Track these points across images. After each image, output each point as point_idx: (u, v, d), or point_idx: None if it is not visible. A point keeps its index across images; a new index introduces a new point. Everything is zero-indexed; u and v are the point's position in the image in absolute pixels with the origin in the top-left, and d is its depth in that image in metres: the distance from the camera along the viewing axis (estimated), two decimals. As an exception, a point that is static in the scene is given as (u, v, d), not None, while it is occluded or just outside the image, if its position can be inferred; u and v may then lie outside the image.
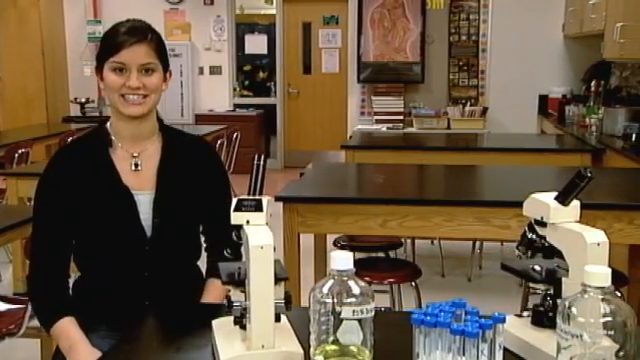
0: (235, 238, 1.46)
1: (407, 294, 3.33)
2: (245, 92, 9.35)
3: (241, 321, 1.40)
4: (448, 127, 6.64)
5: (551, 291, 1.41)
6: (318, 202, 2.92)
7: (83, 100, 8.59)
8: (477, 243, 5.04)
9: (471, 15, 6.99)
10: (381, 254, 3.53)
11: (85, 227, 1.87)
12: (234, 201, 1.40)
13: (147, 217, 1.89)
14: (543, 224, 1.41)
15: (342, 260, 1.26)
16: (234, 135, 6.42)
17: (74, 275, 1.98)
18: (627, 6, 5.04)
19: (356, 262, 3.52)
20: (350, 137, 5.34)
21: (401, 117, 6.87)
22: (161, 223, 1.89)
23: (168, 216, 1.90)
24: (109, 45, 1.82)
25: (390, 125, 6.75)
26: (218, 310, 1.56)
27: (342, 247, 3.51)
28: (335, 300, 1.24)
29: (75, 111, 8.72)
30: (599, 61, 6.57)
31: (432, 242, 5.27)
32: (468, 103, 6.81)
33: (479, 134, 6.30)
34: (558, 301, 1.36)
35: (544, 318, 1.40)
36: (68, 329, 1.82)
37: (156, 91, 1.86)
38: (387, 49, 6.98)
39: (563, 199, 1.38)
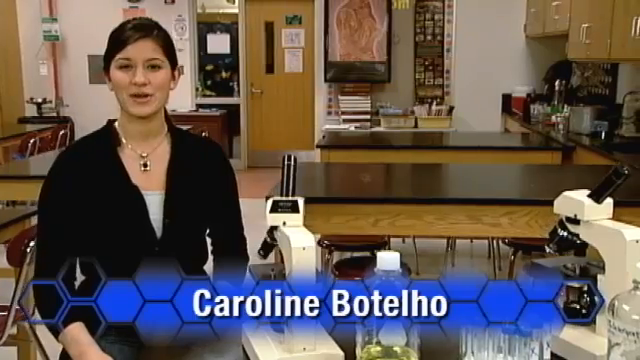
0: (269, 239, 1.43)
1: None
2: (207, 92, 9.26)
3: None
4: (415, 126, 6.70)
5: (585, 288, 1.42)
6: (310, 202, 2.86)
7: (40, 100, 8.35)
8: (450, 241, 5.10)
9: (436, 15, 7.06)
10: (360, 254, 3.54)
11: (93, 228, 1.82)
12: (269, 202, 1.38)
13: (157, 218, 1.85)
14: (576, 222, 1.42)
15: (389, 260, 1.25)
16: (202, 135, 6.35)
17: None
18: (592, 7, 5.15)
19: (343, 262, 3.51)
20: (324, 137, 5.34)
21: (368, 116, 6.89)
22: (171, 224, 1.85)
23: (179, 216, 1.87)
24: (115, 42, 1.78)
25: (358, 124, 6.77)
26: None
27: (327, 247, 3.50)
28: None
29: (31, 112, 8.48)
30: (560, 61, 6.72)
31: (403, 240, 5.30)
32: (434, 102, 6.88)
33: (447, 133, 6.38)
34: (596, 298, 1.37)
35: (579, 315, 1.41)
36: (78, 335, 1.76)
37: (162, 89, 1.82)
38: (354, 49, 7.00)
39: (597, 197, 1.39)
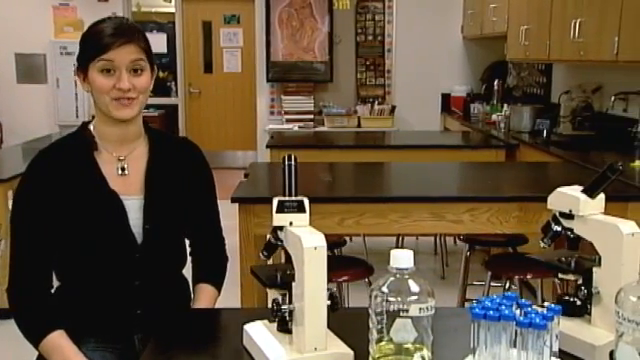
0: (273, 240, 1.42)
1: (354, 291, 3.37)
2: (144, 92, 9.09)
3: (286, 325, 1.36)
4: (359, 125, 6.76)
5: (580, 281, 1.46)
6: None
7: (-28, 103, 7.99)
8: (399, 238, 5.18)
9: (376, 16, 7.14)
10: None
11: (71, 236, 1.76)
12: (275, 202, 1.37)
13: (137, 223, 1.80)
14: (570, 216, 1.47)
15: (403, 258, 1.26)
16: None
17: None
18: (530, 10, 5.32)
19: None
20: (272, 137, 5.31)
21: (311, 116, 6.91)
22: (152, 229, 1.81)
23: (159, 221, 1.83)
24: (95, 45, 1.72)
25: (301, 124, 6.77)
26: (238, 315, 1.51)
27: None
28: (393, 298, 1.24)
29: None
30: (496, 61, 6.92)
31: (351, 239, 5.33)
32: (376, 102, 6.95)
33: (390, 132, 6.47)
34: (593, 290, 1.42)
35: (575, 307, 1.46)
36: (60, 344, 1.71)
37: (145, 92, 1.79)
38: (296, 48, 6.99)
39: (591, 192, 1.44)
